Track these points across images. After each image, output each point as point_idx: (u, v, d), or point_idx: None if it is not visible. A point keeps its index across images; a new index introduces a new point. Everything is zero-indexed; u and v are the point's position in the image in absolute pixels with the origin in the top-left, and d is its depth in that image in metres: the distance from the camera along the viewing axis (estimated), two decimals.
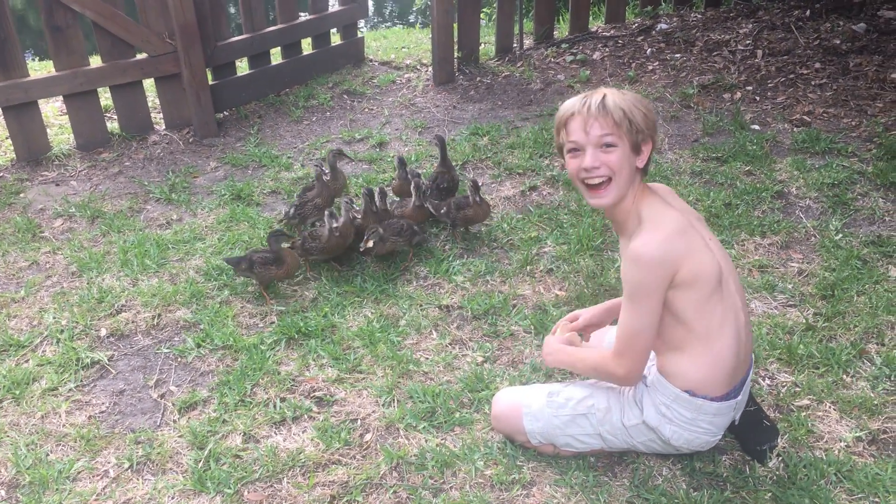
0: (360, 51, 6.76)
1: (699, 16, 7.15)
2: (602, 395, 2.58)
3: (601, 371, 2.50)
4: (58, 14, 4.81)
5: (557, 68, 6.35)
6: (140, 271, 3.89)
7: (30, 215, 4.48)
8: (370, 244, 3.66)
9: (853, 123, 5.11)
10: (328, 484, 2.65)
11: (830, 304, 3.39)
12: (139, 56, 5.21)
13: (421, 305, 3.58)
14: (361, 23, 8.23)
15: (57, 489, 2.66)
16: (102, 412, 3.05)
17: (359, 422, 2.93)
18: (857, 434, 2.72)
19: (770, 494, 2.50)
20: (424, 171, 4.75)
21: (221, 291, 3.74)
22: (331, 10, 6.38)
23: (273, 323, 3.52)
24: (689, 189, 4.40)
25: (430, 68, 6.46)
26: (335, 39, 6.72)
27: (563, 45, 6.69)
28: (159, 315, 3.58)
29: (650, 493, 2.54)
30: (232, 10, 8.95)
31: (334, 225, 3.71)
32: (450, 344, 3.34)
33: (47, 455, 2.81)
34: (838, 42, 6.22)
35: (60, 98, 5.36)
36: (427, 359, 3.25)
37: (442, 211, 4.02)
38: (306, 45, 6.34)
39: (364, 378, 3.15)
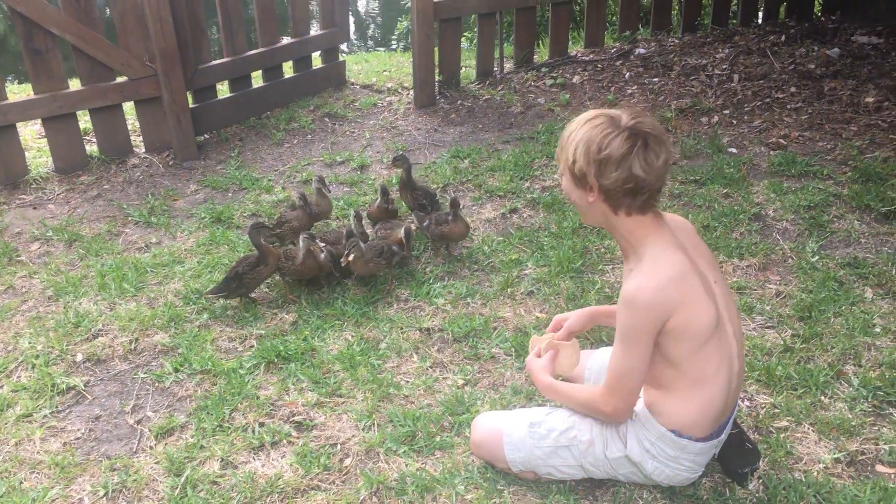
0: (342, 74, 6.78)
1: (676, 41, 7.23)
2: (585, 427, 2.56)
3: (589, 408, 2.51)
4: (37, 37, 4.79)
5: (538, 92, 6.39)
6: (118, 295, 3.86)
7: (6, 239, 4.44)
8: (350, 258, 3.64)
9: (828, 147, 5.17)
10: None
11: (808, 325, 3.41)
12: (119, 79, 5.19)
13: (402, 328, 3.57)
14: (343, 46, 8.26)
15: None
16: (78, 439, 3.01)
17: (338, 446, 2.90)
18: (836, 455, 2.73)
19: None
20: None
21: (200, 315, 3.71)
22: (312, 33, 6.40)
23: (252, 347, 3.49)
24: (669, 212, 4.41)
25: (412, 91, 6.48)
26: (316, 63, 6.73)
27: (544, 69, 6.74)
28: (136, 339, 3.55)
29: None
30: (214, 33, 8.95)
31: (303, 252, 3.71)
32: (430, 367, 3.33)
33: (21, 483, 2.76)
34: (813, 67, 6.31)
35: (39, 121, 5.33)
36: (407, 382, 3.23)
37: (424, 224, 4.03)
38: (287, 69, 6.34)
39: (344, 402, 3.13)
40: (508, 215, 4.58)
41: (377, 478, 2.72)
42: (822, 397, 3.00)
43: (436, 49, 6.24)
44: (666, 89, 6.21)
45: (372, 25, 16.70)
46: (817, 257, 3.92)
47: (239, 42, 5.77)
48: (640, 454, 2.45)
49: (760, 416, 2.93)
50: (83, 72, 5.06)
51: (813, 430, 2.85)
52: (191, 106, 5.46)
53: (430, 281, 3.92)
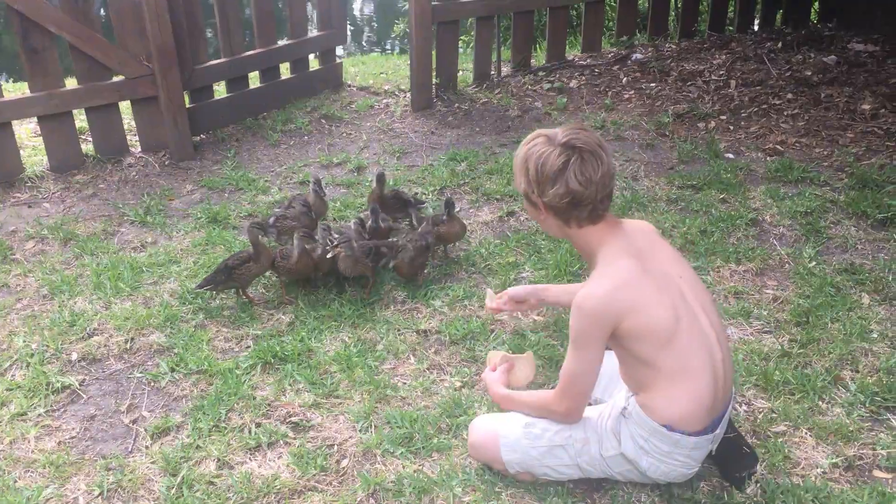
0: (339, 76, 6.77)
1: (673, 46, 7.25)
2: (579, 427, 2.56)
3: (544, 411, 2.60)
4: (34, 36, 4.78)
5: (535, 96, 6.40)
6: (113, 294, 3.84)
7: (1, 237, 4.41)
8: (337, 251, 3.61)
9: (825, 153, 5.19)
10: None
11: (805, 330, 3.42)
12: (116, 78, 5.17)
13: (399, 330, 3.56)
14: (340, 49, 8.26)
15: None
16: (73, 438, 2.99)
17: (335, 447, 2.89)
18: (834, 460, 2.73)
19: None
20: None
21: (196, 315, 3.70)
22: (309, 35, 6.39)
23: (249, 347, 3.48)
24: (666, 216, 4.43)
25: (409, 94, 6.48)
26: (314, 64, 6.73)
27: (541, 73, 6.75)
28: (132, 339, 3.53)
29: None
30: (210, 34, 8.92)
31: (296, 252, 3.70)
32: (427, 369, 3.32)
33: (15, 482, 2.74)
34: (810, 73, 6.34)
35: (35, 119, 5.31)
36: (405, 384, 3.23)
37: (422, 224, 4.03)
38: (285, 70, 6.33)
39: (341, 403, 3.12)
40: (506, 218, 4.57)
41: (374, 479, 2.71)
42: (820, 402, 3.00)
43: (433, 52, 6.23)
44: (663, 94, 6.23)
45: (366, 29, 16.69)
46: (814, 263, 3.93)
47: (236, 43, 5.76)
48: (635, 451, 2.45)
49: (758, 421, 2.93)
50: (80, 70, 5.04)
51: (811, 435, 2.85)
52: (187, 106, 5.44)
53: (428, 283, 3.91)
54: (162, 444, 2.93)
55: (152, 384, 3.27)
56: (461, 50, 7.62)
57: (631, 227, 2.56)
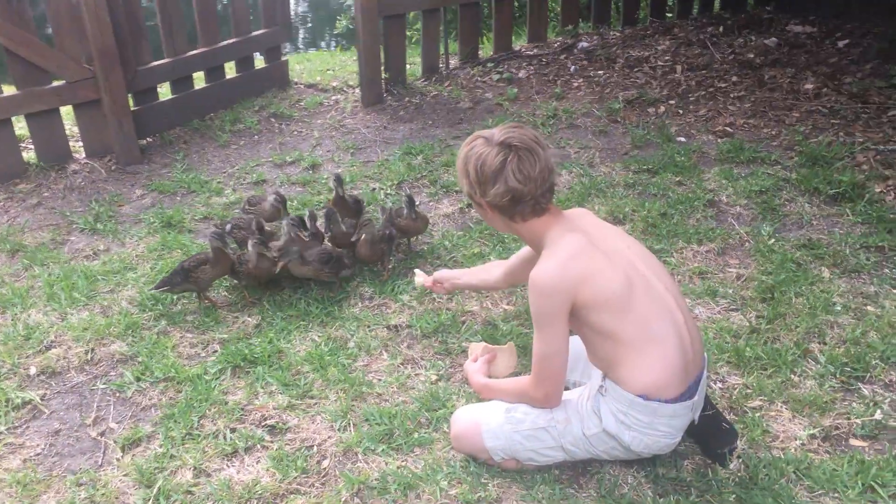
0: (285, 74, 6.66)
1: (617, 34, 7.31)
2: (560, 408, 2.56)
3: (523, 397, 2.61)
4: None
5: (485, 87, 6.38)
6: (69, 305, 3.70)
7: None
8: (282, 264, 3.56)
9: (773, 133, 5.28)
10: None
11: (771, 306, 3.47)
12: (56, 83, 5.00)
13: (369, 326, 3.51)
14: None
15: None
16: (38, 454, 2.87)
17: (315, 448, 2.83)
18: (811, 432, 2.77)
19: (734, 496, 2.52)
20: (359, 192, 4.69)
21: (158, 322, 3.59)
22: (254, 33, 6.27)
23: (216, 351, 3.39)
24: (625, 201, 4.46)
25: (358, 90, 6.42)
26: (259, 63, 6.61)
27: (489, 65, 6.74)
28: (92, 350, 3.41)
29: (618, 503, 2.52)
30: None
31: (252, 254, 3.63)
32: (402, 364, 3.28)
33: None
34: (752, 56, 6.45)
35: None
36: (379, 380, 3.18)
37: (384, 217, 3.97)
38: (230, 69, 6.20)
39: (316, 403, 3.05)
40: (466, 210, 4.55)
41: (357, 478, 2.66)
42: (792, 375, 3.05)
43: (381, 47, 6.17)
44: (612, 81, 6.27)
45: (301, 28, 16.47)
46: (773, 240, 3.99)
47: (179, 42, 5.62)
48: (616, 426, 2.45)
49: (734, 397, 2.96)
50: (17, 75, 4.85)
51: (786, 408, 2.89)
52: (132, 109, 5.29)
53: (394, 277, 3.86)
54: (133, 455, 2.83)
55: (117, 395, 3.17)
56: (408, 44, 7.56)
57: (572, 213, 2.65)
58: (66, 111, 5.33)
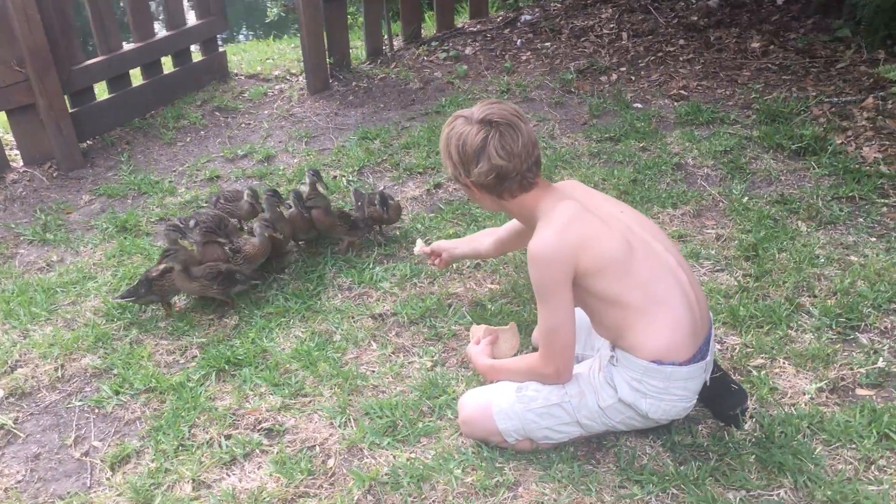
0: (224, 65, 6.43)
1: (559, 5, 7.26)
2: (573, 382, 2.50)
3: (533, 375, 2.54)
4: None
5: (433, 66, 6.27)
6: (29, 321, 3.49)
7: None
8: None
9: (727, 93, 5.31)
10: None
11: (756, 264, 3.46)
12: None
13: (353, 317, 3.39)
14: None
15: None
16: (20, 482, 2.69)
17: (317, 448, 2.71)
18: (818, 385, 2.76)
19: (754, 457, 2.49)
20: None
21: (129, 331, 3.41)
22: (189, 24, 6.02)
23: (195, 357, 3.23)
24: (593, 170, 4.41)
25: (302, 77, 6.24)
26: (196, 56, 6.36)
27: (434, 43, 6.62)
28: (62, 366, 3.21)
29: (639, 475, 2.47)
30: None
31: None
32: (393, 353, 3.17)
33: None
34: (696, 18, 6.47)
35: None
36: (373, 371, 3.07)
37: (358, 203, 3.86)
38: (167, 64, 5.96)
39: (311, 401, 2.93)
40: (434, 191, 4.45)
41: (367, 475, 2.55)
42: (789, 331, 3.04)
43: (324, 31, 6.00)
44: (560, 52, 6.22)
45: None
46: (746, 198, 4.00)
47: (113, 39, 5.36)
48: (632, 395, 2.40)
49: (735, 357, 2.94)
50: None
51: (789, 364, 2.88)
52: (69, 111, 5.02)
53: (371, 266, 3.74)
54: (124, 473, 2.67)
55: (97, 411, 2.99)
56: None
57: (562, 184, 2.58)
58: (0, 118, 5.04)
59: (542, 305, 2.37)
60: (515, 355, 2.88)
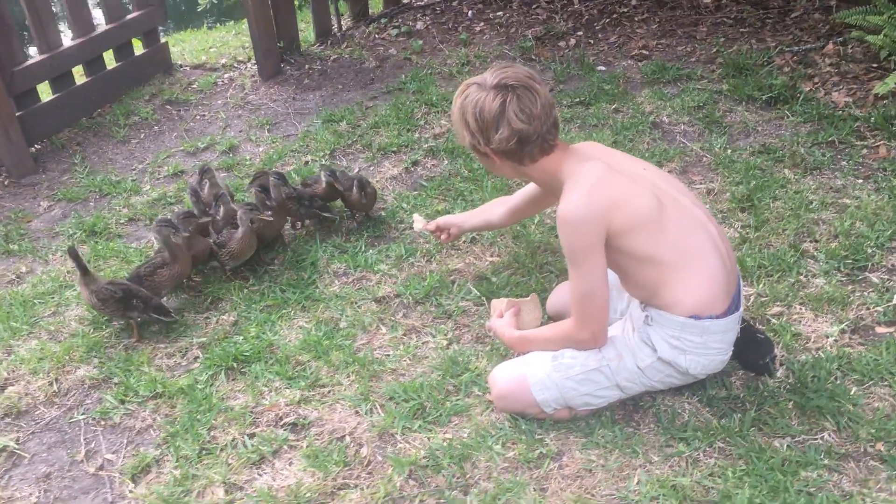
0: (167, 57, 6.18)
1: None
2: (608, 345, 2.47)
3: (567, 342, 2.49)
4: None
5: (386, 44, 6.14)
6: (10, 336, 3.29)
7: None
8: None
9: (688, 50, 5.33)
10: None
11: (753, 214, 3.48)
12: None
13: (355, 303, 3.30)
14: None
15: None
16: None
17: (347, 438, 2.62)
18: (840, 327, 2.79)
19: (791, 403, 2.50)
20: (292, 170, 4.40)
21: (120, 338, 3.25)
22: (128, 16, 5.76)
23: (198, 358, 3.09)
24: (570, 135, 4.38)
25: (250, 64, 6.05)
26: (137, 49, 6.10)
27: (383, 21, 6.49)
28: (56, 380, 3.04)
29: (682, 432, 2.46)
30: None
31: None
32: (404, 335, 3.09)
33: None
34: None
35: None
36: (387, 355, 2.99)
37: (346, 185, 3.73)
38: (108, 59, 5.70)
39: (330, 391, 2.84)
40: (412, 168, 4.35)
41: (406, 460, 2.48)
42: (800, 277, 3.06)
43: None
44: (514, 21, 6.16)
45: None
46: (729, 151, 4.02)
47: (52, 36, 5.09)
48: (671, 352, 2.38)
49: (751, 307, 2.95)
50: None
51: (806, 309, 2.90)
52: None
53: (363, 249, 3.64)
54: (148, 483, 2.54)
55: (103, 423, 2.84)
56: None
57: (581, 146, 2.51)
58: None
59: (575, 270, 2.32)
60: (539, 326, 2.83)
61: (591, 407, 2.51)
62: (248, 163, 4.65)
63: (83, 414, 2.88)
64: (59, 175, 4.79)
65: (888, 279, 3.00)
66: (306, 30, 6.52)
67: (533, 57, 5.54)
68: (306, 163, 4.54)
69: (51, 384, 3.02)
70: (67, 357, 3.14)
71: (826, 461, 2.30)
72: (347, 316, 3.22)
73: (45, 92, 5.21)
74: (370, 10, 6.73)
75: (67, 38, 5.31)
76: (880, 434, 2.35)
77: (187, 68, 6.25)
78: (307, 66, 5.92)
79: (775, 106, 4.41)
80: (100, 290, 3.16)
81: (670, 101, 4.61)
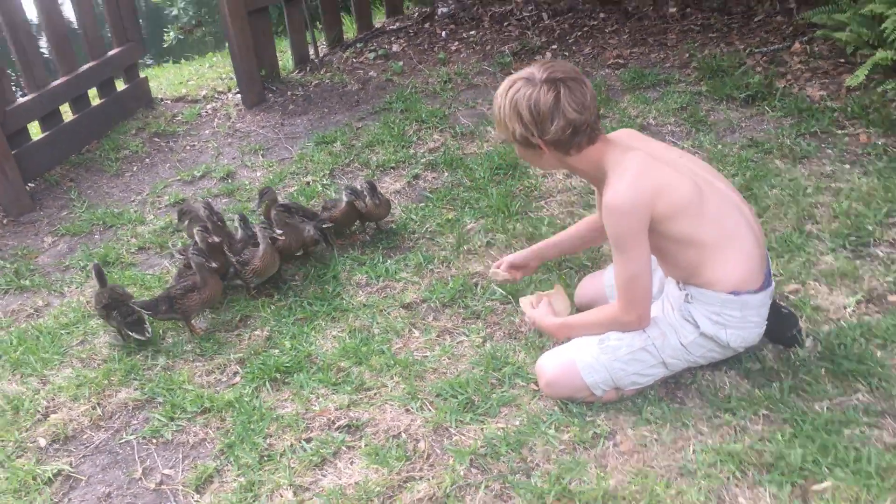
0: (148, 92, 6.23)
1: None
2: (651, 325, 2.60)
3: (613, 325, 2.62)
4: None
5: (365, 67, 6.27)
6: (43, 367, 3.31)
7: None
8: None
9: (661, 56, 5.55)
10: (417, 502, 2.43)
11: (753, 202, 3.66)
12: None
13: (383, 310, 3.39)
14: None
15: None
16: None
17: (403, 435, 2.71)
18: (856, 298, 2.96)
19: (824, 370, 2.66)
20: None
21: (156, 359, 3.29)
22: (110, 53, 5.81)
23: (237, 373, 3.15)
24: None
25: (232, 94, 6.14)
26: (119, 85, 6.14)
27: (358, 45, 6.63)
28: (98, 404, 3.08)
29: (727, 403, 2.60)
30: None
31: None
32: (438, 336, 3.19)
33: None
34: None
35: None
36: (426, 356, 3.08)
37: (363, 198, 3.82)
38: (93, 96, 5.73)
39: (377, 393, 2.92)
40: (414, 182, 4.47)
41: (465, 450, 2.58)
42: (809, 256, 3.24)
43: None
44: (488, 39, 6.35)
45: None
46: (719, 146, 4.21)
47: (39, 74, 5.11)
48: (713, 327, 2.52)
49: None
50: None
51: (821, 285, 3.08)
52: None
53: (381, 261, 3.74)
54: (213, 493, 2.59)
55: (155, 441, 2.88)
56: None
57: (619, 134, 2.66)
58: None
59: (621, 255, 2.45)
60: (571, 313, 2.95)
61: (637, 386, 2.64)
62: (247, 187, 4.73)
63: (132, 434, 2.92)
64: (58, 211, 4.80)
65: (892, 252, 3.20)
66: (283, 58, 6.62)
67: (511, 71, 5.68)
68: (308, 183, 4.62)
69: (94, 408, 3.05)
70: (106, 382, 3.17)
71: (865, 419, 2.46)
72: (378, 323, 3.31)
73: (34, 132, 5.23)
74: (345, 36, 6.85)
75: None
76: None
77: (168, 101, 6.31)
78: (290, 93, 6.02)
79: (754, 103, 4.64)
80: (98, 292, 3.41)
81: (654, 105, 4.81)
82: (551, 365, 2.68)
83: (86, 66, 5.54)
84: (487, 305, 3.31)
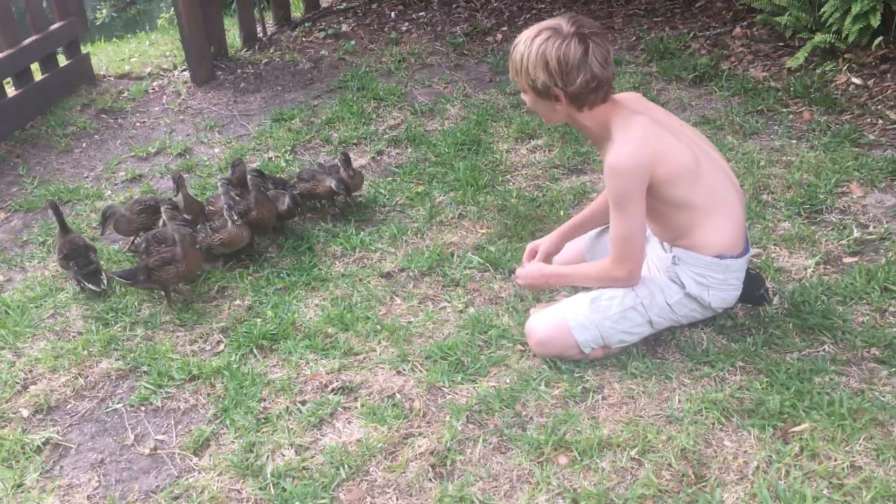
0: (90, 68, 6.08)
1: None
2: (640, 285, 2.73)
3: (604, 279, 2.74)
4: None
5: (315, 46, 6.27)
6: (15, 339, 3.26)
7: None
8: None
9: (609, 39, 5.70)
10: (419, 456, 2.51)
11: None
12: None
13: (363, 279, 3.44)
14: None
15: None
16: (99, 487, 2.57)
17: (397, 395, 2.78)
18: (815, 259, 3.17)
19: (791, 324, 2.85)
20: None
21: (134, 330, 3.27)
22: (52, 27, 5.65)
23: (221, 342, 3.17)
24: (525, 119, 4.66)
25: (178, 71, 6.06)
26: (61, 60, 5.98)
27: (307, 25, 6.61)
28: (79, 374, 3.05)
29: (706, 357, 2.76)
30: None
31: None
32: (420, 303, 3.27)
33: None
34: None
35: None
36: (410, 322, 3.16)
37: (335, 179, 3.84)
38: (35, 71, 5.57)
39: (366, 357, 2.98)
40: (378, 157, 4.53)
41: (461, 406, 2.67)
42: (767, 223, 3.44)
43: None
44: (437, 20, 6.42)
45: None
46: None
47: None
48: (697, 288, 2.67)
49: None
50: None
51: (780, 249, 3.28)
52: None
53: (354, 233, 3.79)
54: (211, 455, 2.62)
55: (143, 408, 2.88)
56: None
57: (627, 97, 2.75)
58: None
59: (619, 213, 2.55)
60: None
61: (624, 344, 2.78)
62: (206, 163, 4.69)
63: (119, 402, 2.91)
64: (7, 187, 4.68)
65: (843, 218, 3.43)
66: (230, 36, 6.54)
67: (465, 52, 5.81)
68: (270, 158, 4.63)
69: (76, 378, 3.02)
70: (85, 353, 3.14)
71: (833, 368, 2.65)
72: (359, 291, 3.36)
73: None
74: (292, 15, 6.82)
75: None
76: (872, 341, 2.72)
77: (111, 78, 6.18)
78: (240, 71, 5.98)
79: (702, 83, 4.85)
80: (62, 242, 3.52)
81: None
82: (542, 325, 2.79)
83: (29, 40, 5.39)
84: (466, 273, 3.40)
